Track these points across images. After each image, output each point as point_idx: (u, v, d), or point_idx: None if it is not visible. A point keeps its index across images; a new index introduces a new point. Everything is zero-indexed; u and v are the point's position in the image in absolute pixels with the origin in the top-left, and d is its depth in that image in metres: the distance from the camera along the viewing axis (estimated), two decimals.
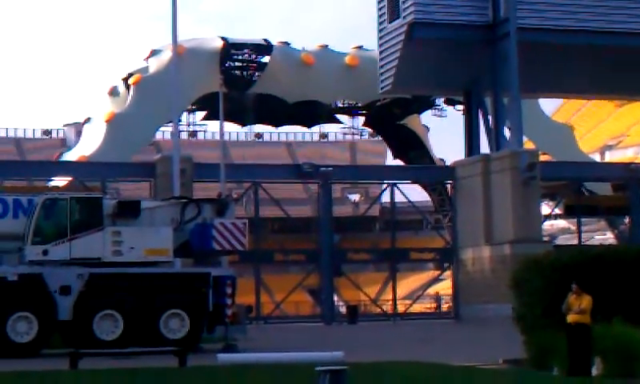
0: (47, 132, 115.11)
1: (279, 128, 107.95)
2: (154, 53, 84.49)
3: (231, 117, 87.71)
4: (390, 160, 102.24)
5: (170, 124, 72.26)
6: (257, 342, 38.79)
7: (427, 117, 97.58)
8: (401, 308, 77.28)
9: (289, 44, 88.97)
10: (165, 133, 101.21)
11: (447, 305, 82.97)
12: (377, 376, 21.42)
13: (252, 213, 70.90)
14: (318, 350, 27.45)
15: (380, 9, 69.46)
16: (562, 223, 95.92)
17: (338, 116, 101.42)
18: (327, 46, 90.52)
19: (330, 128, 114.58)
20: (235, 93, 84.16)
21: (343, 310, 79.98)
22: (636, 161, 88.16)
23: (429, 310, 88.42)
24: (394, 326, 65.67)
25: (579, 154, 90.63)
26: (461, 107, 78.91)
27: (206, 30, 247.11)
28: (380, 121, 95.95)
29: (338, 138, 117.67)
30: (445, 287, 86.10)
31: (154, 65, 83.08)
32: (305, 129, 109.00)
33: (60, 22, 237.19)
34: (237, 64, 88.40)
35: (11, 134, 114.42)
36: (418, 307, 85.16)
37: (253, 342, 37.70)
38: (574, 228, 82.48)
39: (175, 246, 34.86)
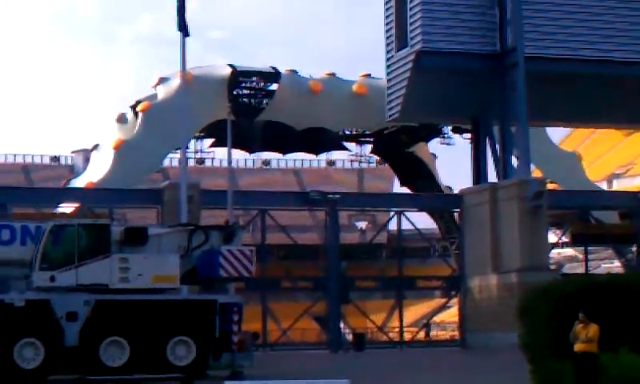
0: (55, 158, 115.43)
1: (286, 155, 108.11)
2: (162, 80, 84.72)
3: (239, 144, 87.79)
4: (398, 187, 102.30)
5: (178, 151, 72.50)
6: (263, 369, 38.73)
7: (434, 145, 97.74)
8: (408, 335, 77.16)
9: (296, 72, 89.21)
10: (172, 160, 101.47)
11: (452, 333, 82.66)
12: None
13: (259, 240, 70.88)
14: (325, 377, 27.42)
15: (388, 37, 69.62)
16: (569, 251, 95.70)
17: (346, 143, 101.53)
18: (335, 73, 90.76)
19: (337, 155, 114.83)
20: (243, 120, 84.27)
21: (350, 337, 79.79)
22: None
23: (436, 338, 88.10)
24: (401, 353, 65.52)
25: (587, 183, 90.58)
26: (468, 135, 78.95)
27: (214, 58, 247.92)
28: (387, 148, 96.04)
29: (346, 166, 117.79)
30: (452, 315, 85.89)
31: (163, 92, 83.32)
32: (312, 156, 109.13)
33: (69, 49, 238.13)
34: (245, 91, 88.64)
35: (19, 160, 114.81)
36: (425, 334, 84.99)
37: (259, 369, 37.64)
38: (581, 256, 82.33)
39: (182, 273, 34.86)
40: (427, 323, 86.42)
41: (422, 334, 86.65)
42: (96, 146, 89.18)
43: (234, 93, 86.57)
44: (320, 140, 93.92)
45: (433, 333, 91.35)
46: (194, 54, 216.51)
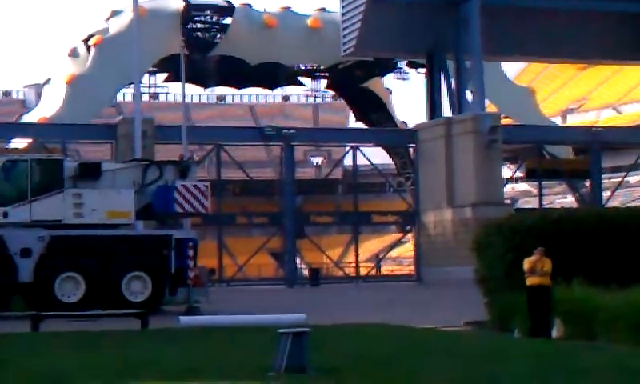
0: (7, 93, 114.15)
1: (241, 90, 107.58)
2: (114, 14, 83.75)
3: (193, 79, 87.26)
4: (353, 123, 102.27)
5: (132, 86, 71.80)
6: (219, 304, 38.78)
7: (390, 80, 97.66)
8: (363, 271, 77.59)
9: (251, 5, 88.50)
10: (126, 95, 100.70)
11: (410, 268, 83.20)
12: (338, 338, 21.48)
13: (214, 175, 70.72)
14: (281, 312, 27.47)
15: None
16: (523, 186, 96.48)
17: (301, 78, 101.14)
18: (290, 7, 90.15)
19: (292, 90, 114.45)
20: (197, 55, 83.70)
21: (306, 272, 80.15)
22: (597, 124, 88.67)
23: (391, 273, 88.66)
24: (357, 288, 65.89)
25: (541, 118, 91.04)
26: (423, 70, 78.91)
27: None
28: (342, 83, 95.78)
29: (301, 101, 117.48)
30: (407, 250, 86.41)
31: (115, 26, 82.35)
32: (267, 91, 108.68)
33: None
34: (198, 25, 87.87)
35: None
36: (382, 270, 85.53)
37: (215, 305, 37.71)
38: (535, 191, 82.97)
39: (137, 209, 34.69)
40: (378, 258, 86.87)
41: (396, 269, 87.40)
42: (48, 81, 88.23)
43: (188, 27, 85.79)
44: (275, 75, 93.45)
45: (389, 268, 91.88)
46: None
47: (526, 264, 22.06)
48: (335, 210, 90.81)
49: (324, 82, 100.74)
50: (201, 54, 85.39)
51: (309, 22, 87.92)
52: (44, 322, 25.51)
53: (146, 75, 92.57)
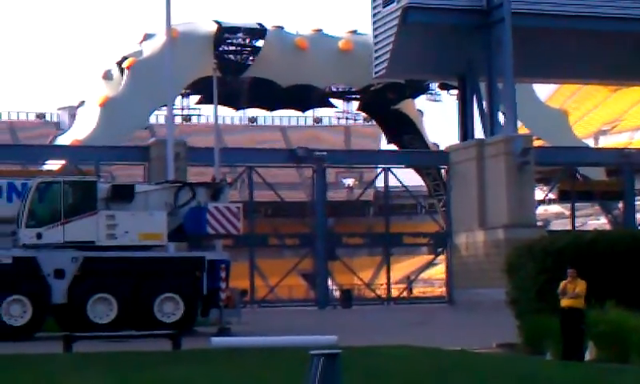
0: (41, 115, 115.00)
1: (273, 112, 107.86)
2: (147, 37, 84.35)
3: (225, 101, 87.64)
4: (385, 144, 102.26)
5: (164, 108, 72.23)
6: (251, 325, 38.82)
7: (421, 101, 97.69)
8: (395, 292, 77.47)
9: (283, 28, 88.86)
10: (159, 117, 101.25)
11: (440, 290, 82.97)
12: (370, 359, 21.46)
13: (246, 197, 70.89)
14: (312, 333, 27.48)
15: None
16: (555, 208, 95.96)
17: (332, 100, 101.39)
18: (321, 30, 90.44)
19: (324, 112, 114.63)
20: (229, 77, 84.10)
21: (337, 294, 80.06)
22: (630, 146, 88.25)
23: (422, 295, 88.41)
24: (388, 310, 65.75)
25: (573, 139, 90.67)
26: (455, 92, 78.86)
27: (200, 13, 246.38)
28: (374, 105, 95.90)
29: (332, 123, 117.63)
30: (439, 272, 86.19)
31: (148, 48, 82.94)
32: (299, 113, 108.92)
33: (54, 5, 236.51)
34: (231, 48, 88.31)
35: (5, 117, 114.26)
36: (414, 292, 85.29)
37: (247, 326, 37.75)
38: (567, 213, 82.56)
39: (169, 230, 34.83)
40: (410, 280, 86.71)
41: (428, 290, 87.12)
42: (82, 103, 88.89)
43: (220, 49, 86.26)
44: (307, 97, 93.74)
45: (420, 289, 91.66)
46: (180, 11, 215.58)
47: (560, 286, 21.98)
48: (367, 231, 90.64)
49: (356, 103, 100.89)
50: (233, 76, 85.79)
51: (340, 44, 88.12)
52: (77, 343, 25.63)
53: (179, 97, 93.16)
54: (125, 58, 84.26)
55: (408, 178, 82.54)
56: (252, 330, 36.15)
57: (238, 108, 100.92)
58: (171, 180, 39.95)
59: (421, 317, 49.16)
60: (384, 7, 68.17)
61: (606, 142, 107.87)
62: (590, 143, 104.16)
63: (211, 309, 35.34)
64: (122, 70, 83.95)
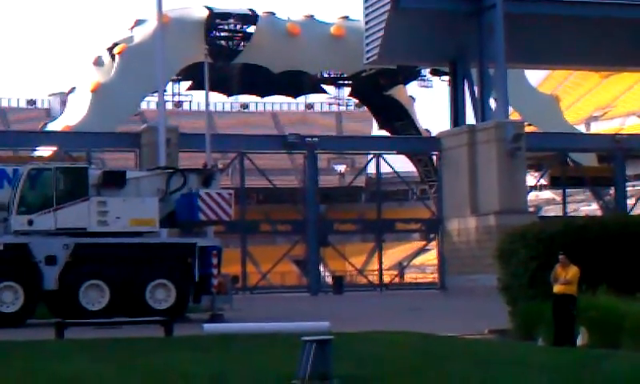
0: (32, 102, 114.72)
1: (265, 98, 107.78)
2: (138, 22, 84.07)
3: (217, 87, 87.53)
4: (376, 130, 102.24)
5: (156, 94, 72.01)
6: (243, 312, 38.84)
7: (413, 87, 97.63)
8: (387, 278, 77.53)
9: (274, 14, 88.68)
10: (150, 103, 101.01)
11: (432, 276, 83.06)
12: (362, 345, 21.48)
13: (237, 183, 70.84)
14: (304, 319, 27.50)
15: None
16: (547, 194, 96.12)
17: (324, 86, 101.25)
18: (313, 16, 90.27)
19: (315, 98, 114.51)
20: (220, 63, 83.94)
21: (329, 280, 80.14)
22: (621, 132, 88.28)
23: (414, 281, 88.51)
24: (380, 296, 65.83)
25: (565, 125, 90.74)
26: (447, 78, 78.81)
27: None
28: (366, 91, 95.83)
29: (324, 109, 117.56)
30: (431, 258, 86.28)
31: (139, 34, 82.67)
32: (290, 99, 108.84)
33: None
34: (222, 34, 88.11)
35: None
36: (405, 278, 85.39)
37: (239, 312, 37.77)
38: (559, 199, 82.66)
39: (161, 217, 34.81)
40: (402, 266, 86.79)
41: (420, 276, 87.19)
42: (73, 89, 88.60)
43: (211, 35, 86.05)
44: (298, 83, 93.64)
45: (412, 276, 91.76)
46: None
47: (553, 272, 22.01)
48: (358, 217, 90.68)
49: (347, 89, 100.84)
50: (224, 62, 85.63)
51: (332, 30, 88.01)
52: (68, 330, 25.62)
53: (170, 83, 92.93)
54: (116, 44, 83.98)
55: (400, 164, 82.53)
56: (244, 316, 36.17)
57: (229, 94, 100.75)
58: (163, 166, 39.92)
59: (413, 303, 49.24)
60: None
61: (597, 128, 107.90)
62: (582, 129, 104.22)
63: (203, 295, 35.36)
64: (112, 56, 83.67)
